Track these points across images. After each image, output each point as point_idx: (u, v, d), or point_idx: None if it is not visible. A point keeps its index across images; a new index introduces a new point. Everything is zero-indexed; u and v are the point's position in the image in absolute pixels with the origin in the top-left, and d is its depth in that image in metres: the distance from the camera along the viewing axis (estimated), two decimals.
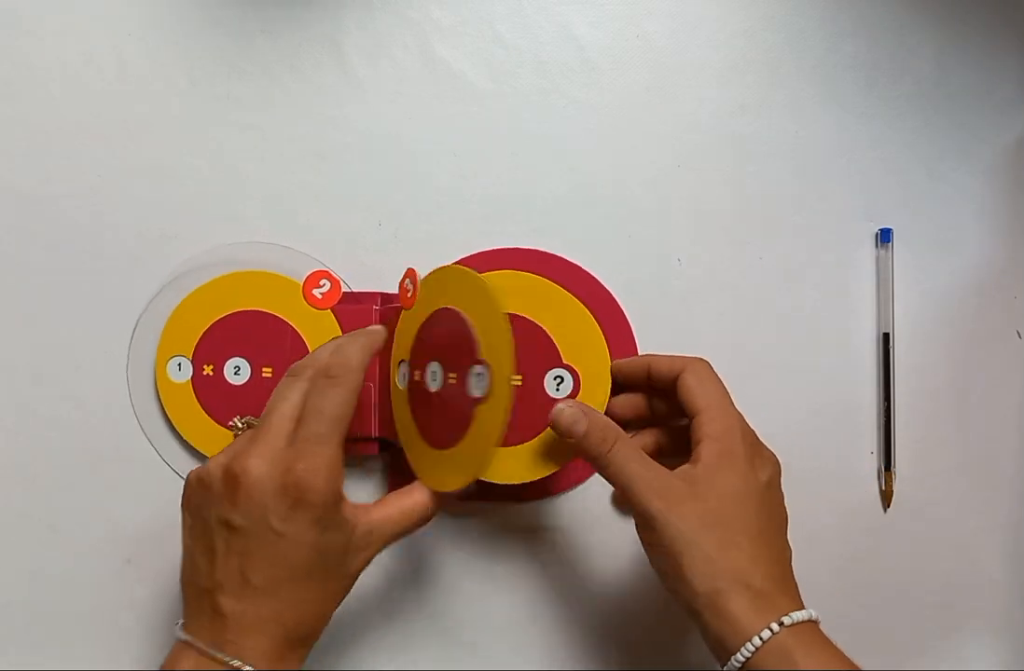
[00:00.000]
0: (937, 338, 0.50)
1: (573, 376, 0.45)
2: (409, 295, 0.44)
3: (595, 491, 0.49)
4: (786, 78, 0.51)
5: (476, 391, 0.39)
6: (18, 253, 0.49)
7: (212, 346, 0.47)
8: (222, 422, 0.46)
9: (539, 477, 0.43)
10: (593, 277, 0.48)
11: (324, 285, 0.47)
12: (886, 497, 0.50)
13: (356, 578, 0.39)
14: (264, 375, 0.46)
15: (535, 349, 0.45)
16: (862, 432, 0.50)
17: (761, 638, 0.35)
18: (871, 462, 0.50)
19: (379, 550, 0.39)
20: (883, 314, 0.50)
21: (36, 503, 0.48)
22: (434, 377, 0.42)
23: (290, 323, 0.46)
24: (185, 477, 0.39)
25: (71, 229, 0.49)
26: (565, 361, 0.45)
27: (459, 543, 0.49)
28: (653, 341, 0.48)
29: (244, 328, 0.46)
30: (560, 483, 0.48)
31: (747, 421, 0.42)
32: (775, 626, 0.36)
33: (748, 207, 0.50)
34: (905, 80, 0.51)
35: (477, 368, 0.39)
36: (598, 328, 0.45)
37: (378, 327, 0.43)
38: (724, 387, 0.43)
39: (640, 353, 0.48)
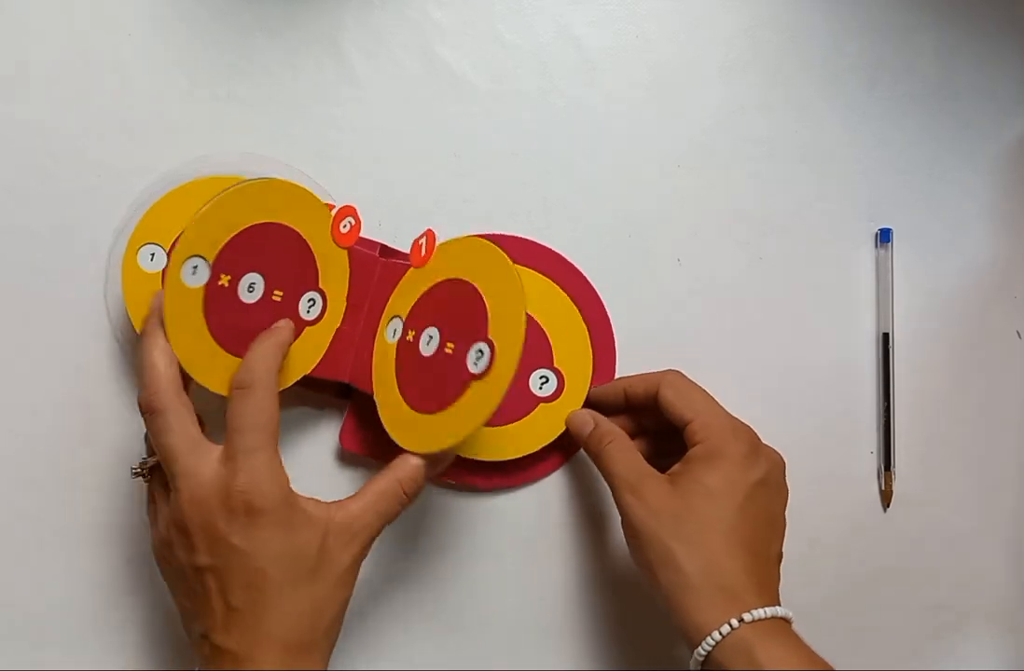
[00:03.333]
0: (937, 338, 0.50)
1: (559, 379, 0.46)
2: (422, 254, 0.44)
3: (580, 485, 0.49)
4: (787, 78, 0.51)
5: (474, 367, 0.39)
6: (18, 253, 0.49)
7: (235, 255, 0.41)
8: (218, 339, 0.41)
9: (446, 447, 0.41)
10: (587, 281, 0.48)
11: (349, 222, 0.44)
12: (886, 497, 0.50)
13: (353, 574, 0.38)
14: (274, 298, 0.42)
15: (529, 346, 0.43)
16: (862, 432, 0.50)
17: (721, 633, 0.36)
18: (871, 462, 0.50)
19: (368, 541, 0.38)
20: (883, 314, 0.50)
21: (36, 503, 0.48)
22: (428, 342, 0.42)
23: (312, 248, 0.43)
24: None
25: (71, 229, 0.49)
26: (556, 364, 0.45)
27: (456, 540, 0.49)
28: (653, 341, 0.48)
29: (270, 243, 0.42)
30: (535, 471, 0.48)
31: (740, 421, 0.42)
32: (734, 622, 0.36)
33: (748, 207, 0.50)
34: (907, 80, 0.51)
35: (480, 345, 0.39)
36: (587, 335, 0.46)
37: (283, 322, 0.42)
38: (705, 392, 0.44)
39: (617, 364, 0.48)
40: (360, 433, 0.47)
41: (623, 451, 0.42)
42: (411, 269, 0.45)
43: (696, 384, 0.44)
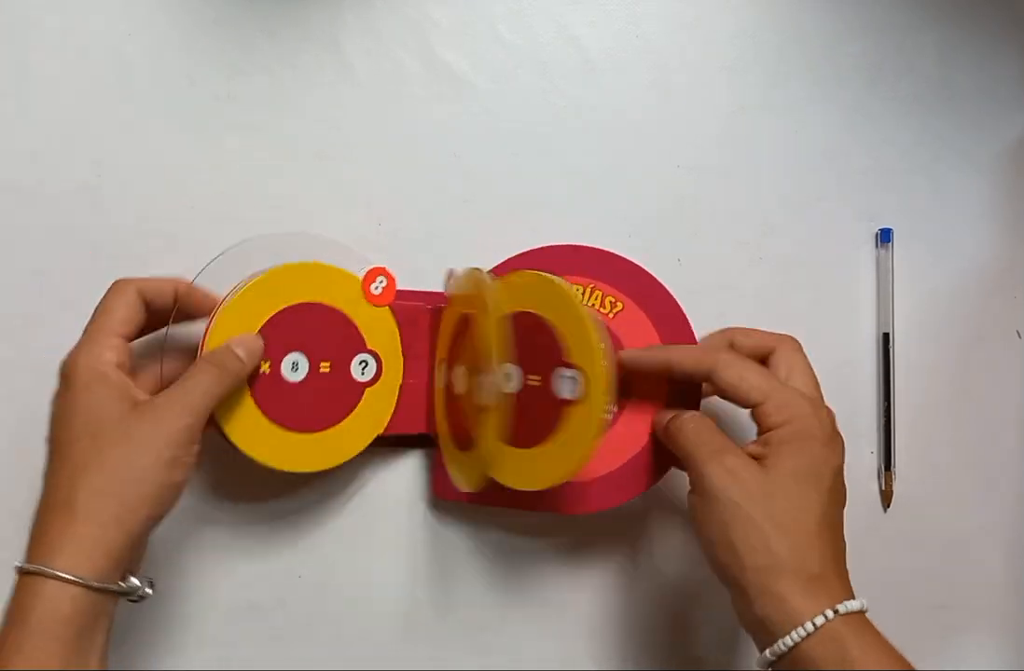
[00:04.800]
0: (937, 338, 0.50)
1: (580, 375, 0.42)
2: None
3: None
4: (786, 78, 0.51)
5: (567, 393, 0.40)
6: (18, 253, 0.49)
7: (269, 341, 0.43)
8: (278, 421, 0.43)
9: (569, 475, 0.41)
10: (640, 268, 0.46)
11: (381, 282, 0.45)
12: (886, 497, 0.50)
13: (161, 458, 0.37)
14: (322, 370, 0.44)
15: (542, 348, 0.42)
16: (862, 432, 0.50)
17: (815, 624, 0.34)
18: (871, 462, 0.50)
19: (180, 424, 0.37)
20: (883, 314, 0.50)
21: (34, 502, 0.48)
22: (509, 379, 0.42)
23: (348, 316, 0.44)
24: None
25: (71, 229, 0.49)
26: (572, 360, 0.41)
27: (464, 546, 0.49)
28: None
29: (303, 322, 0.43)
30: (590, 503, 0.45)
31: (814, 399, 0.40)
32: (829, 613, 0.34)
33: (748, 207, 0.50)
34: (906, 80, 0.51)
35: (565, 371, 0.41)
36: (589, 321, 0.41)
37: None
38: (762, 368, 0.41)
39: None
40: (447, 480, 0.45)
41: (703, 423, 0.40)
42: (446, 311, 0.46)
43: (756, 365, 0.41)
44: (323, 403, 0.44)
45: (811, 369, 0.42)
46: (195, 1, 0.50)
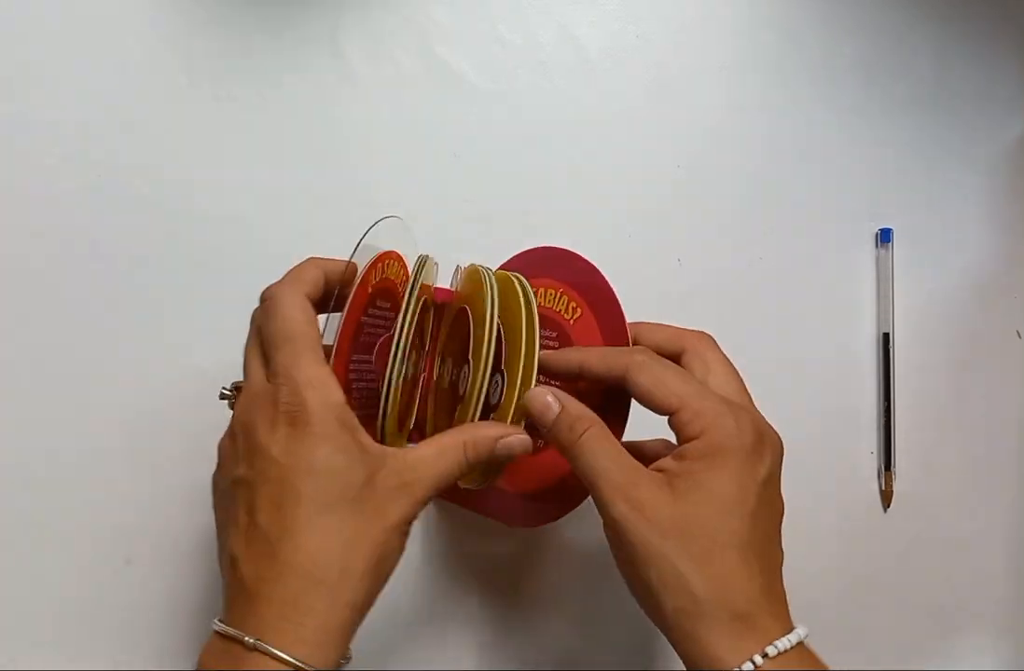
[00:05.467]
0: (937, 338, 0.50)
1: (501, 379, 0.39)
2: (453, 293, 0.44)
3: None
4: (786, 78, 0.51)
5: (493, 397, 0.38)
6: (18, 252, 0.49)
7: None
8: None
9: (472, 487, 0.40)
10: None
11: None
12: (886, 497, 0.50)
13: (398, 532, 0.33)
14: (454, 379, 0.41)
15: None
16: (862, 432, 0.50)
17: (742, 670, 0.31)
18: (871, 462, 0.50)
19: (419, 498, 0.33)
20: (883, 314, 0.50)
21: (36, 503, 0.48)
22: (454, 377, 0.41)
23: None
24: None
25: (71, 229, 0.49)
26: (502, 365, 0.39)
27: (460, 543, 0.49)
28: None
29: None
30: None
31: (735, 402, 0.36)
32: (758, 659, 0.31)
33: (748, 207, 0.50)
34: (905, 80, 0.51)
35: (497, 376, 0.38)
36: (522, 321, 0.39)
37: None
38: (679, 370, 0.36)
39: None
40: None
41: (604, 444, 0.35)
42: (447, 307, 0.45)
43: (670, 364, 0.36)
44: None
45: (731, 366, 0.37)
46: (195, 1, 0.50)
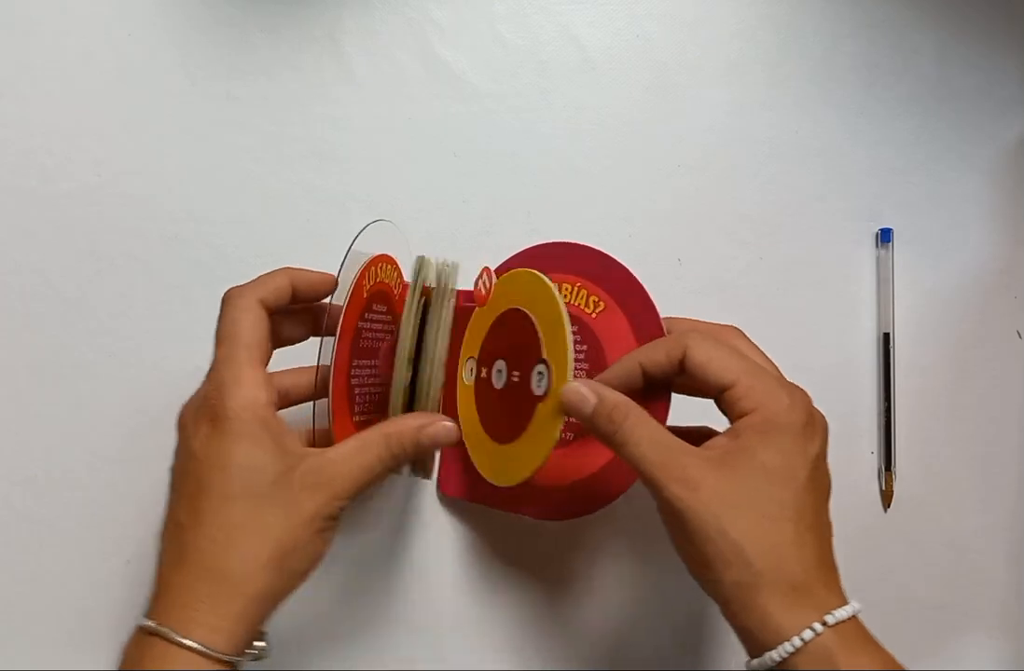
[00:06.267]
0: (937, 338, 0.50)
1: (549, 371, 0.40)
2: (484, 293, 0.44)
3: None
4: (786, 78, 0.51)
5: (538, 389, 0.39)
6: (18, 252, 0.49)
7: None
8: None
9: (529, 474, 0.40)
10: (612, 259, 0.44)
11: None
12: (886, 497, 0.50)
13: (311, 527, 0.34)
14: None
15: (528, 344, 0.42)
16: (862, 432, 0.50)
17: (802, 639, 0.32)
18: (871, 462, 0.50)
19: (338, 493, 0.34)
20: (883, 314, 0.50)
21: (36, 503, 0.48)
22: (498, 375, 0.42)
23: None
24: None
25: (71, 229, 0.49)
26: (544, 355, 0.40)
27: (461, 545, 0.49)
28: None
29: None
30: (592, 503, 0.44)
31: (789, 381, 0.37)
32: (818, 626, 0.32)
33: (748, 207, 0.50)
34: (905, 80, 0.51)
35: (539, 367, 0.39)
36: (563, 316, 0.39)
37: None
38: (737, 350, 0.37)
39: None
40: (458, 478, 0.46)
41: (647, 429, 0.35)
42: (477, 309, 0.45)
43: (729, 344, 0.37)
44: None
45: (732, 346, 0.38)
46: (195, 1, 0.50)
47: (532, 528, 0.48)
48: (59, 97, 0.49)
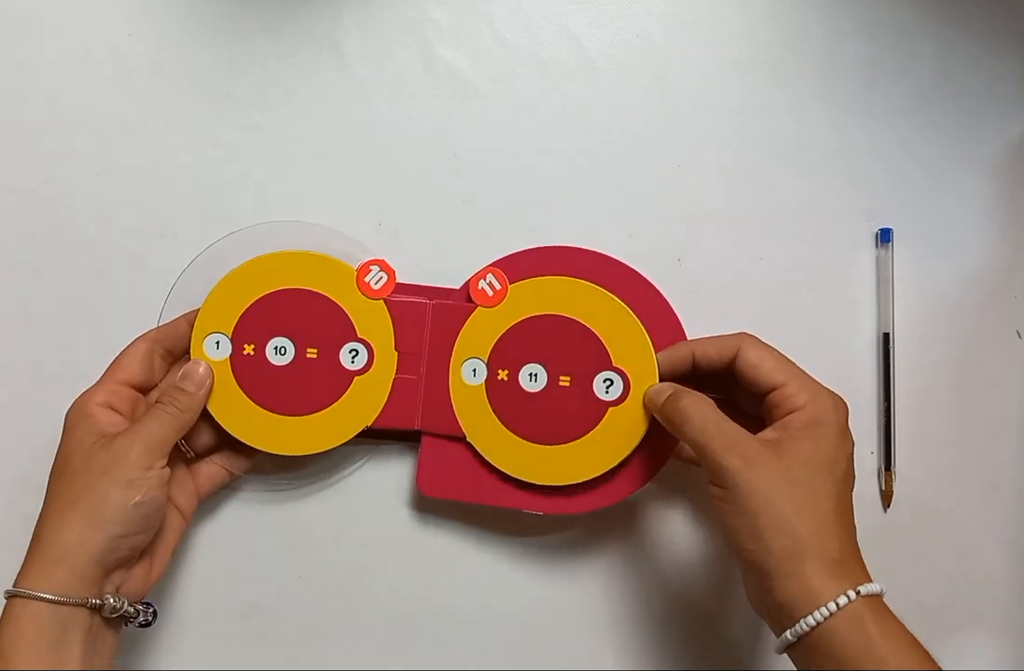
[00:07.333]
0: (937, 338, 0.50)
1: (623, 378, 0.45)
2: (491, 294, 0.45)
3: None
4: (786, 78, 0.51)
5: (605, 395, 0.44)
6: (18, 253, 0.49)
7: (254, 324, 0.45)
8: (262, 403, 0.45)
9: (584, 479, 0.45)
10: (636, 273, 0.47)
11: (379, 275, 0.45)
12: (886, 497, 0.50)
13: (119, 487, 0.40)
14: (308, 356, 0.45)
15: (586, 351, 0.45)
16: (862, 432, 0.50)
17: (838, 604, 0.35)
18: (871, 462, 0.50)
19: (136, 462, 0.40)
20: (883, 314, 0.50)
21: (36, 503, 0.48)
22: (532, 379, 0.45)
23: (340, 305, 0.45)
24: None
25: (71, 229, 0.49)
26: (615, 364, 0.45)
27: (474, 543, 0.49)
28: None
29: (290, 307, 0.45)
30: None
31: (829, 388, 0.41)
32: (852, 593, 0.35)
33: (748, 207, 0.50)
34: (905, 80, 0.51)
35: (608, 374, 0.44)
36: (642, 329, 0.45)
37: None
38: (785, 356, 0.42)
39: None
40: (437, 477, 0.47)
41: (711, 411, 0.40)
42: (479, 309, 0.45)
43: (777, 350, 0.43)
44: (308, 388, 0.45)
45: (782, 354, 0.43)
46: (195, 1, 0.50)
47: (523, 525, 0.48)
48: (59, 97, 0.49)
